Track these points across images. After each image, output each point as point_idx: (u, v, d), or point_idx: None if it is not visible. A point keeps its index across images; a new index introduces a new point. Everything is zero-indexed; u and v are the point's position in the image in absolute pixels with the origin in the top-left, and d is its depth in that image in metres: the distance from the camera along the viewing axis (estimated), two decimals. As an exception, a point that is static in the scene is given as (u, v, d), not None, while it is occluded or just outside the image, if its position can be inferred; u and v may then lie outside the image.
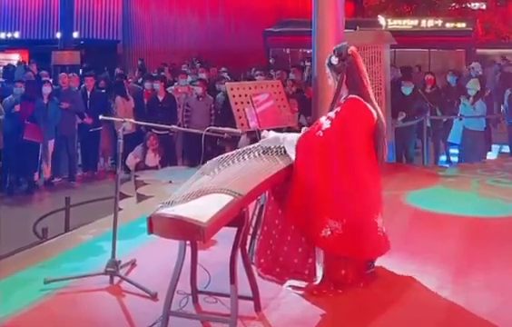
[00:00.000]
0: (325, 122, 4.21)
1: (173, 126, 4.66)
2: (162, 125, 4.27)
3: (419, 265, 4.69)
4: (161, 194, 6.53)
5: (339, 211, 4.12)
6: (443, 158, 11.16)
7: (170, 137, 10.94)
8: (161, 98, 11.23)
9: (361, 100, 4.23)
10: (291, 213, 4.16)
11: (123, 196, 7.17)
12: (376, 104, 4.37)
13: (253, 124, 4.80)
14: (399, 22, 22.25)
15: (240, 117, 4.83)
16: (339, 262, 4.25)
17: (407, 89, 10.00)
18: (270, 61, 20.40)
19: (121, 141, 4.16)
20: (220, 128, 4.42)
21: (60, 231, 7.21)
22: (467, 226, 5.81)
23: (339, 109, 4.22)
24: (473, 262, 4.82)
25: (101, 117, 4.47)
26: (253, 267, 4.16)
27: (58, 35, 19.28)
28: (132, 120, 4.21)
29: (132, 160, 10.82)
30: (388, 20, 22.00)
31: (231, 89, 4.93)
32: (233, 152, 4.24)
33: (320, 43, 7.61)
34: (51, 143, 10.92)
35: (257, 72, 12.75)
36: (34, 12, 24.49)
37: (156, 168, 10.37)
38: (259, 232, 4.51)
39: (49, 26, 24.24)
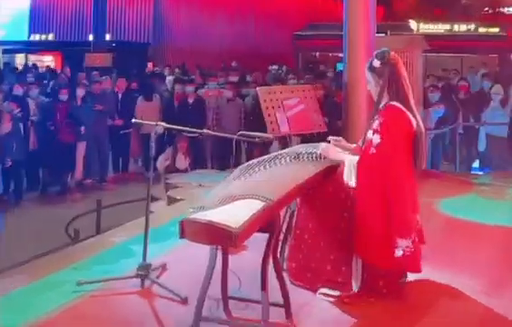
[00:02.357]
0: (374, 137, 4.11)
1: (205, 130, 4.59)
2: (194, 129, 4.21)
3: (452, 275, 4.60)
4: (191, 197, 6.56)
5: (405, 228, 4.05)
6: (476, 165, 10.98)
7: (200, 140, 10.98)
8: (191, 101, 11.30)
9: (400, 107, 4.16)
10: (356, 237, 4.10)
11: (154, 199, 7.20)
12: (415, 110, 4.30)
13: (284, 129, 4.78)
14: (431, 26, 22.02)
15: (271, 122, 4.83)
16: (379, 272, 4.19)
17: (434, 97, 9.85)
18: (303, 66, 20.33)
19: (153, 144, 4.17)
20: (251, 133, 4.39)
21: (91, 232, 7.31)
22: (502, 236, 5.69)
23: (382, 120, 4.15)
24: (508, 273, 4.72)
25: (133, 120, 4.48)
26: (284, 273, 4.13)
27: (91, 38, 19.57)
28: (164, 123, 4.17)
29: (162, 162, 10.89)
30: (420, 24, 21.77)
31: (262, 93, 4.91)
32: (263, 157, 4.22)
33: (351, 48, 7.55)
34: (83, 145, 11.04)
35: (289, 75, 12.72)
36: (68, 14, 24.79)
37: (186, 171, 10.42)
38: (290, 237, 4.48)
39: (82, 29, 24.52)
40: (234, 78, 12.71)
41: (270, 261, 3.70)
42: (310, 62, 22.75)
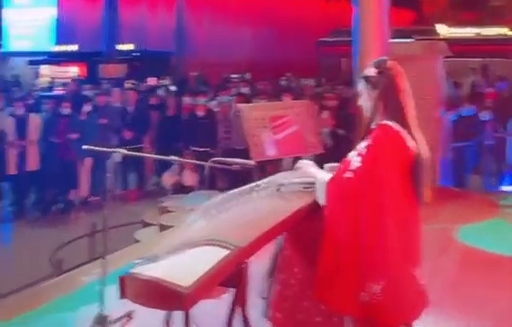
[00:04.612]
0: (354, 159, 3.41)
1: (173, 157, 3.97)
2: (162, 157, 3.59)
3: (470, 321, 3.90)
4: (178, 225, 5.92)
5: (376, 271, 3.34)
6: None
7: (209, 155, 10.36)
8: (200, 114, 10.73)
9: (393, 127, 3.43)
10: (320, 274, 3.43)
11: (146, 224, 6.64)
12: (417, 131, 3.56)
13: (271, 153, 4.11)
14: (460, 30, 21.11)
15: (255, 145, 4.17)
16: (374, 325, 3.49)
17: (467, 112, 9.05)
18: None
19: (110, 175, 3.56)
20: (228, 159, 3.76)
21: (84, 258, 6.78)
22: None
23: (369, 141, 3.45)
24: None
25: (84, 147, 3.86)
26: (269, 324, 3.49)
27: (119, 48, 19.31)
28: (123, 150, 3.55)
29: (168, 179, 10.37)
30: (448, 28, 20.90)
31: (246, 112, 4.26)
32: (242, 188, 3.60)
33: (363, 55, 6.90)
34: (88, 161, 10.54)
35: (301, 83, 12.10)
36: (92, 25, 24.53)
37: (193, 189, 9.86)
38: (275, 282, 3.83)
39: (106, 38, 24.30)
40: (245, 89, 12.08)
41: (240, 318, 3.06)
42: (333, 69, 22.08)
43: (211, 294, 2.85)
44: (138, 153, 4.10)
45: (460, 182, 9.12)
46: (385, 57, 3.70)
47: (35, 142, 10.08)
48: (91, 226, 7.63)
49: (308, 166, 3.71)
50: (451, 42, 9.26)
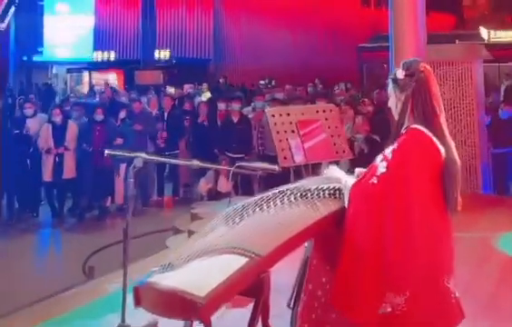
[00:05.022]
0: (380, 164, 3.27)
1: (196, 161, 3.86)
2: (179, 162, 3.49)
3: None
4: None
5: (400, 281, 3.18)
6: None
7: (243, 161, 10.28)
8: (235, 120, 10.65)
9: (425, 132, 3.27)
10: (338, 279, 3.29)
11: (177, 231, 6.57)
12: (448, 137, 3.38)
13: (299, 158, 3.98)
14: (503, 33, 20.56)
15: (282, 149, 4.04)
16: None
17: (504, 113, 8.71)
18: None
19: (131, 181, 3.48)
20: (253, 164, 3.64)
21: (116, 266, 6.75)
22: None
23: (396, 146, 3.29)
24: None
25: (106, 152, 3.79)
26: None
27: (156, 55, 19.41)
28: (144, 154, 3.47)
29: (203, 186, 10.31)
30: (491, 32, 20.38)
31: (273, 116, 4.14)
32: (266, 194, 3.46)
33: (399, 59, 6.69)
34: (123, 168, 10.55)
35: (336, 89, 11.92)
36: (129, 32, 24.78)
37: (229, 194, 9.76)
38: (303, 292, 3.69)
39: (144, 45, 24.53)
40: (280, 95, 11.94)
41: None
42: (375, 75, 21.80)
43: (235, 303, 2.74)
44: (158, 158, 4.01)
45: (502, 189, 8.79)
46: (416, 59, 3.55)
47: (73, 149, 10.14)
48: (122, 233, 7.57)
49: (335, 171, 3.58)
50: (494, 46, 8.93)
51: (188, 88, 13.80)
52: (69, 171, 10.10)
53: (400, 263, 3.13)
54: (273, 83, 16.05)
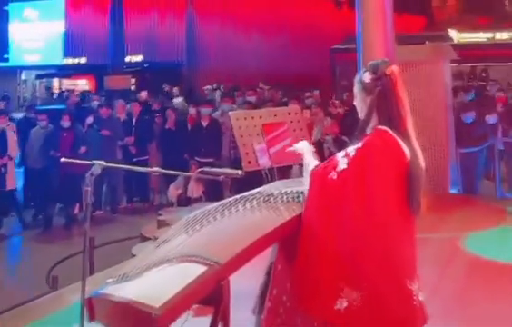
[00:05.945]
0: (341, 160, 3.22)
1: (156, 168, 3.76)
2: (140, 169, 3.40)
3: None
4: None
5: (358, 277, 3.13)
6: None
7: (215, 166, 10.16)
8: (205, 124, 10.55)
9: (391, 133, 3.22)
10: (296, 273, 3.23)
11: (144, 239, 6.45)
12: (414, 141, 3.33)
13: (263, 162, 3.90)
14: (472, 35, 20.77)
15: (246, 153, 3.96)
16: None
17: (467, 118, 8.71)
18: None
19: (89, 188, 3.36)
20: (216, 169, 3.55)
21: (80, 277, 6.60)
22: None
23: (360, 145, 3.24)
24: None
25: (62, 159, 3.67)
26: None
27: (127, 59, 19.13)
28: (102, 162, 3.34)
29: (173, 191, 10.17)
30: (460, 33, 20.58)
31: (237, 119, 4.06)
32: (228, 200, 3.38)
33: (367, 60, 6.66)
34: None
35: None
36: (99, 37, 24.51)
37: (200, 200, 9.68)
38: (267, 298, 3.62)
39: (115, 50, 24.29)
40: (252, 98, 11.86)
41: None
42: (348, 76, 21.84)
43: (197, 311, 2.65)
44: (118, 165, 3.92)
45: (470, 189, 8.81)
46: (384, 60, 3.48)
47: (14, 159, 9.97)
48: (88, 241, 7.42)
49: (305, 151, 3.49)
50: (463, 47, 8.98)
51: (144, 96, 13.51)
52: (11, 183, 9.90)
53: (356, 260, 3.09)
54: (222, 88, 15.84)
